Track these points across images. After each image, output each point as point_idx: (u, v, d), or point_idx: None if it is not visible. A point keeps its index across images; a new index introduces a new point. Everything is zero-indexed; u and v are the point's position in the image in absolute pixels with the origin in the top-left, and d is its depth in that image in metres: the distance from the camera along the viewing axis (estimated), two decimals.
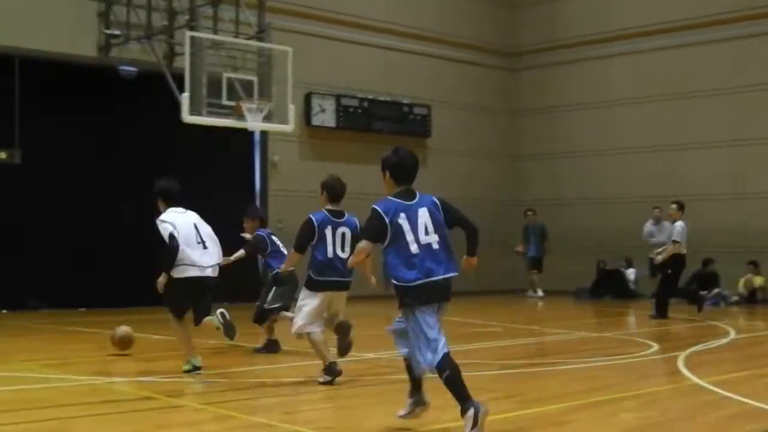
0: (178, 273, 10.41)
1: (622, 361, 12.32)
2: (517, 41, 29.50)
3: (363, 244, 7.42)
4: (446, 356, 7.05)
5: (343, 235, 9.95)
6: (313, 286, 9.97)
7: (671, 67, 26.09)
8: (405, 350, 7.40)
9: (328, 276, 9.92)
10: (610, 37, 27.10)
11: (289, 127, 19.38)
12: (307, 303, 9.99)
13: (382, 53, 26.04)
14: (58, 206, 20.58)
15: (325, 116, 24.57)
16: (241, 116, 18.37)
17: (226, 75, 18.66)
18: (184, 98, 17.71)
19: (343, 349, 10.39)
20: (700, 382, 10.11)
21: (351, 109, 25.02)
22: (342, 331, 10.29)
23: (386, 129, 25.68)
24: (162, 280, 10.34)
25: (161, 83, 19.27)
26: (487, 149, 28.67)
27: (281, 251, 12.72)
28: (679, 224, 18.71)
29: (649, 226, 23.41)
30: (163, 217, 10.64)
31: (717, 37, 25.43)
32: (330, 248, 9.88)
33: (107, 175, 21.23)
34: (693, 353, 12.88)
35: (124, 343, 12.32)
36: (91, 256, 20.83)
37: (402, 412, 7.58)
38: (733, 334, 15.94)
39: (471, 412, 6.84)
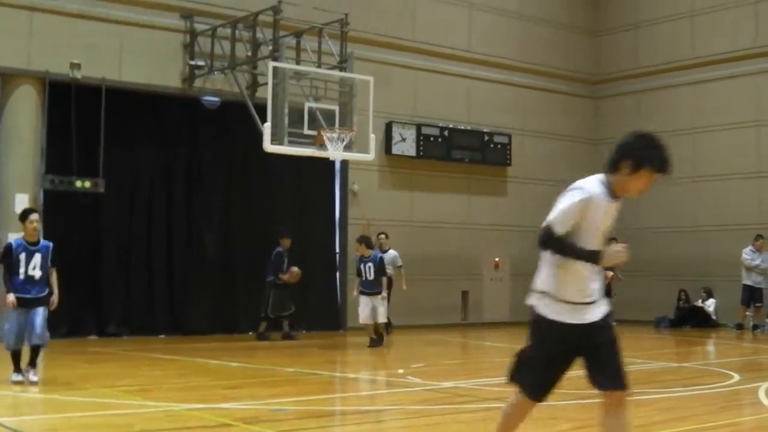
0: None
1: (703, 391, 12.06)
2: (599, 69, 29.13)
3: None
4: None
5: None
6: None
7: (762, 93, 25.42)
8: None
9: None
10: (695, 64, 26.58)
11: (370, 156, 19.43)
12: None
13: (462, 82, 25.97)
14: (140, 235, 20.86)
15: (405, 145, 24.53)
16: (322, 145, 18.47)
17: (307, 104, 18.76)
18: (266, 128, 17.84)
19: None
20: None
21: (431, 138, 24.93)
22: None
23: (466, 158, 25.62)
24: None
25: (244, 113, 19.47)
26: (569, 177, 28.25)
27: None
28: None
29: (749, 253, 23.17)
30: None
31: None
32: None
33: (189, 204, 21.49)
34: None
35: None
36: (171, 284, 21.09)
37: None
38: None
39: None
